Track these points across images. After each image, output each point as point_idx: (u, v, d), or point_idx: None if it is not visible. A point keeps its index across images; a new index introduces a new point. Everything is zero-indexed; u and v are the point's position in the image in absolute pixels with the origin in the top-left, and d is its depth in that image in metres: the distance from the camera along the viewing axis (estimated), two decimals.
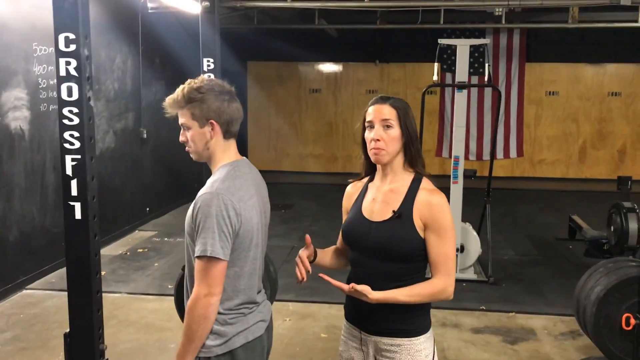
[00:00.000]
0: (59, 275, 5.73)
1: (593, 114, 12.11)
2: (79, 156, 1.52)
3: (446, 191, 5.88)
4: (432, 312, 4.99)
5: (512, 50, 11.83)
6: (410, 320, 2.02)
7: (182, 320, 2.84)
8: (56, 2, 1.48)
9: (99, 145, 6.64)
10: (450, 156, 11.72)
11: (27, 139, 5.33)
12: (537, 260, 6.51)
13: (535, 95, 12.10)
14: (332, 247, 2.25)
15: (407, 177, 2.06)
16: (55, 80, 4.80)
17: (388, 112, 2.04)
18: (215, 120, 1.92)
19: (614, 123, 12.04)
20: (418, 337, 2.02)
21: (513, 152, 12.13)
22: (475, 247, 5.71)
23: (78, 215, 1.53)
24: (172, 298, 5.08)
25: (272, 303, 2.88)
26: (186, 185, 9.41)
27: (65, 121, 1.51)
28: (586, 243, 6.08)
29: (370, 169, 2.16)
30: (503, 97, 11.73)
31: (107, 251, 6.59)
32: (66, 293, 4.88)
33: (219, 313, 1.93)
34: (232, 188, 1.89)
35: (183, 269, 2.80)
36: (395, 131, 2.02)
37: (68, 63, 1.49)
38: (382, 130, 2.03)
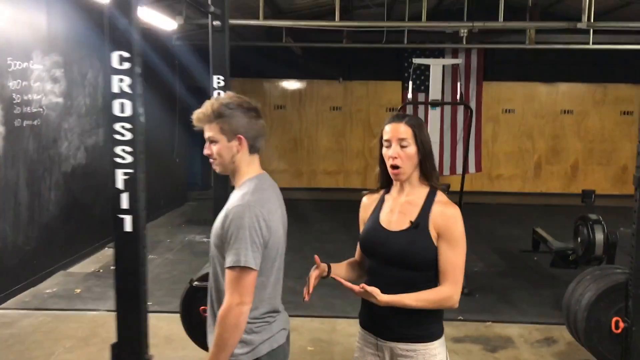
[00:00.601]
0: (32, 293, 5.61)
1: (547, 131, 12.63)
2: (131, 170, 1.57)
3: None
4: None
5: (470, 69, 12.24)
6: (425, 326, 2.12)
7: (189, 336, 2.87)
8: (111, 21, 1.54)
9: (70, 161, 6.55)
10: None
11: (0, 155, 5.22)
12: (506, 271, 6.74)
13: (492, 113, 12.54)
14: (348, 260, 2.34)
15: (423, 190, 2.16)
16: (30, 96, 4.75)
17: (404, 130, 2.15)
18: (243, 135, 1.99)
19: (567, 140, 12.59)
20: (432, 342, 2.12)
21: (472, 168, 12.49)
22: None
23: (128, 227, 1.57)
24: (154, 315, 5.08)
25: None
26: (155, 202, 9.34)
27: (117, 136, 1.56)
28: (552, 254, 6.35)
29: (386, 182, 2.27)
30: (462, 115, 12.14)
31: (78, 268, 6.48)
32: (42, 312, 4.81)
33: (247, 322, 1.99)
34: (261, 200, 1.97)
35: (190, 282, 2.83)
36: (412, 149, 2.13)
37: (121, 80, 1.54)
38: (400, 149, 2.14)
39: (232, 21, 8.01)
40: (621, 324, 2.68)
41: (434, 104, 5.73)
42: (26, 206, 5.66)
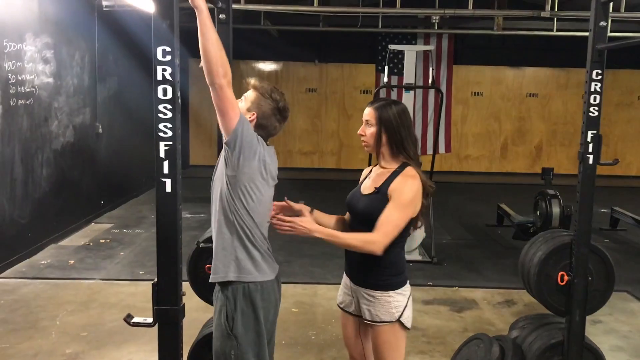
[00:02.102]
0: (28, 264, 5.91)
1: (513, 113, 13.21)
2: (170, 142, 1.94)
3: None
4: None
5: (441, 53, 12.70)
6: (384, 278, 2.51)
7: (195, 290, 3.24)
8: (156, 22, 1.89)
9: (60, 139, 6.82)
10: None
11: None
12: (472, 243, 7.27)
13: (461, 96, 13.05)
14: (339, 216, 2.72)
15: (395, 164, 2.55)
16: (24, 76, 5.03)
17: (369, 113, 2.56)
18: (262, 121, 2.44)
19: (532, 122, 13.19)
20: (389, 292, 2.50)
21: (442, 149, 13.00)
22: (419, 231, 6.36)
23: (168, 189, 1.94)
24: (145, 283, 5.45)
25: None
26: (138, 180, 9.62)
27: (160, 115, 1.92)
28: (515, 227, 6.89)
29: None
30: (433, 97, 12.62)
31: (69, 242, 6.78)
32: (40, 281, 5.14)
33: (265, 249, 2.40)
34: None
35: (197, 244, 3.20)
36: (374, 128, 2.52)
37: (164, 70, 1.90)
38: (366, 128, 2.56)
39: (212, 4, 8.33)
40: (566, 278, 3.14)
41: (408, 88, 6.16)
42: (21, 182, 5.93)
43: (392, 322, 2.50)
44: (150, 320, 2.05)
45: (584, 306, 3.13)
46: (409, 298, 2.58)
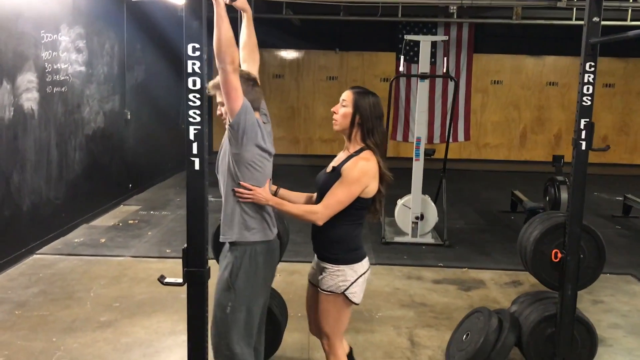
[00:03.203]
0: (64, 242, 6.31)
1: (533, 101, 13.29)
2: (199, 127, 2.24)
3: (398, 172, 6.73)
4: (399, 268, 5.93)
5: (461, 42, 12.83)
6: (334, 252, 2.77)
7: (216, 259, 3.56)
8: (187, 21, 2.18)
9: (91, 125, 7.20)
10: (404, 139, 12.76)
11: (36, 118, 5.86)
12: (484, 228, 7.51)
13: (481, 84, 13.17)
14: (309, 194, 2.97)
15: (357, 147, 2.76)
16: (59, 65, 5.40)
17: (346, 95, 2.78)
18: None
19: (551, 110, 13.27)
20: (338, 265, 2.75)
21: (461, 137, 13.17)
22: (432, 215, 6.63)
23: (197, 167, 2.24)
24: (172, 260, 5.82)
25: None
26: (164, 164, 10.02)
27: (190, 103, 2.22)
28: (526, 213, 7.10)
29: None
30: (452, 85, 12.77)
31: (100, 222, 7.18)
32: (74, 257, 5.53)
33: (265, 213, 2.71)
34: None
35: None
36: (347, 110, 2.74)
37: (194, 64, 2.20)
38: (339, 107, 2.78)
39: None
40: (559, 255, 3.39)
41: (423, 77, 6.39)
42: (56, 165, 6.32)
43: (336, 293, 2.75)
44: (180, 280, 2.37)
45: (575, 281, 3.38)
46: (361, 275, 2.78)
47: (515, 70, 13.20)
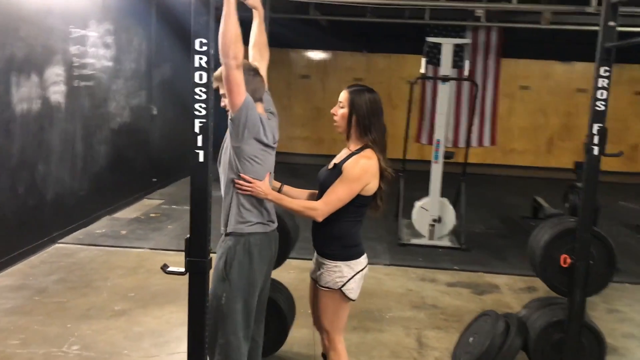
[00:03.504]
0: (85, 232, 6.46)
1: (561, 108, 13.10)
2: (204, 120, 2.30)
3: (421, 175, 6.73)
4: (413, 269, 5.93)
5: (489, 46, 12.72)
6: (332, 248, 2.80)
7: None
8: (195, 17, 2.24)
9: (117, 119, 7.35)
10: (428, 142, 12.70)
11: (63, 111, 6.02)
12: (503, 233, 7.45)
13: (508, 89, 13.02)
14: (312, 190, 2.99)
15: (358, 145, 2.80)
16: (87, 60, 5.53)
17: (342, 95, 2.82)
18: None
19: (580, 117, 13.03)
20: (336, 262, 2.78)
21: (487, 141, 13.06)
22: (450, 219, 6.61)
23: (201, 159, 2.30)
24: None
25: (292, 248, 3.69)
26: (186, 161, 10.13)
27: (196, 96, 2.29)
28: (546, 219, 7.01)
29: None
30: (480, 90, 12.67)
31: (122, 214, 7.33)
32: (95, 247, 5.66)
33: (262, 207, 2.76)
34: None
35: None
36: (344, 110, 2.78)
37: (201, 58, 2.25)
38: (338, 108, 2.82)
39: None
40: (568, 260, 3.37)
41: (444, 79, 6.38)
42: (81, 157, 6.48)
43: (333, 289, 2.78)
44: (182, 269, 2.43)
45: (584, 287, 3.35)
46: (358, 272, 2.81)
47: (543, 75, 13.03)
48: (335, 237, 2.80)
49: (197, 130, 2.32)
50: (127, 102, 7.57)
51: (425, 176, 6.69)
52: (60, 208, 6.09)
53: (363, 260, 2.86)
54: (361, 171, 2.71)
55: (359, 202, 2.76)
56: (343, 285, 2.78)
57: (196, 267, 2.41)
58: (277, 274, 4.02)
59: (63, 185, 6.16)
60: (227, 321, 2.71)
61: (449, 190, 7.13)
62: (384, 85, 13.24)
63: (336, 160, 2.85)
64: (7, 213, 5.23)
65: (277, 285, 3.85)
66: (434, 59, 11.32)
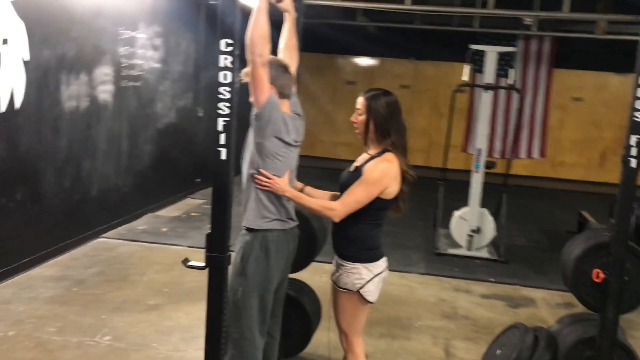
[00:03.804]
0: (127, 228, 6.65)
1: (616, 121, 12.63)
2: (228, 119, 2.36)
3: (465, 184, 6.62)
4: (448, 279, 5.84)
5: (541, 56, 12.43)
6: (351, 250, 2.81)
7: None
8: (221, 19, 2.31)
9: (163, 120, 7.55)
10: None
11: (110, 110, 6.22)
12: (545, 247, 7.25)
13: (560, 101, 12.67)
14: (334, 192, 2.98)
15: (378, 149, 2.81)
16: (135, 61, 5.71)
17: (359, 102, 2.84)
18: (272, 84, 2.70)
19: None
20: (354, 263, 2.79)
21: (536, 153, 12.75)
22: (490, 230, 6.49)
23: (223, 157, 2.36)
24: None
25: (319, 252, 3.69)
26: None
27: (221, 95, 2.35)
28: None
29: None
30: (529, 100, 12.40)
31: (165, 212, 7.51)
32: (135, 243, 5.82)
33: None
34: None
35: None
36: (363, 117, 2.80)
37: (226, 59, 2.32)
38: (356, 115, 2.84)
39: (313, 1, 8.77)
40: (601, 275, 3.26)
41: (487, 88, 6.28)
42: (126, 155, 6.68)
43: (351, 291, 2.79)
44: (202, 264, 2.48)
45: (617, 304, 3.23)
46: (377, 275, 2.81)
47: (598, 87, 12.63)
48: (354, 239, 2.80)
49: (220, 128, 2.38)
50: (173, 103, 7.76)
51: (468, 186, 6.60)
52: (104, 203, 6.29)
53: (382, 263, 2.85)
54: (381, 174, 2.71)
55: (378, 205, 2.75)
56: (361, 287, 2.78)
57: (215, 262, 2.47)
58: (308, 277, 4.06)
59: (108, 181, 6.36)
60: (242, 315, 2.75)
61: (492, 201, 7.00)
62: (432, 93, 13.13)
63: (357, 162, 2.86)
64: (53, 206, 5.44)
65: (303, 288, 3.87)
66: (480, 66, 11.19)
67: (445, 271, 5.95)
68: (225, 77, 2.34)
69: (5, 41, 4.54)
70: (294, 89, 2.95)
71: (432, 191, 7.27)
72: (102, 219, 6.29)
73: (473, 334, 4.47)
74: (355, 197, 2.71)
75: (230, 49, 2.32)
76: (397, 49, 12.66)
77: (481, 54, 6.41)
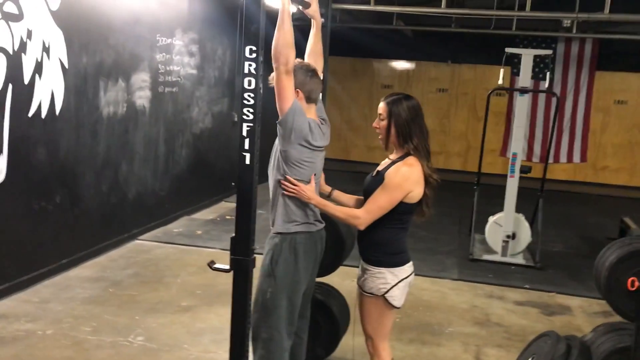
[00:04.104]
0: (164, 230, 6.79)
1: None
2: (251, 124, 2.38)
3: (502, 189, 6.53)
4: (481, 286, 5.77)
5: (582, 58, 12.15)
6: (376, 255, 2.81)
7: None
8: (246, 26, 2.34)
9: (199, 125, 7.67)
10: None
11: (147, 115, 6.37)
12: (583, 254, 7.07)
13: (603, 104, 12.36)
14: (360, 197, 3.00)
15: (401, 153, 2.80)
16: (172, 67, 5.83)
17: (381, 107, 2.83)
18: (300, 89, 2.74)
19: None
20: (379, 268, 2.79)
21: (576, 157, 12.46)
22: (525, 235, 6.38)
23: (247, 162, 2.40)
24: (257, 256, 6.05)
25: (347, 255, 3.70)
26: (265, 168, 10.40)
27: (245, 101, 2.38)
28: None
29: None
30: (571, 103, 12.14)
31: (200, 215, 7.63)
32: (170, 245, 5.93)
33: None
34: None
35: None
36: (384, 122, 2.80)
37: (250, 65, 2.35)
38: (379, 121, 2.83)
39: (345, 6, 8.80)
40: (636, 283, 3.17)
41: (523, 91, 6.18)
42: (163, 159, 6.82)
43: (377, 295, 2.78)
44: (227, 267, 2.52)
45: None
46: (402, 280, 2.80)
47: None
48: (379, 244, 2.80)
49: (244, 133, 2.41)
50: (209, 108, 7.89)
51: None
52: (141, 206, 6.44)
53: (408, 268, 2.84)
54: (402, 179, 2.71)
55: (401, 210, 2.75)
56: (386, 292, 2.78)
57: (240, 265, 2.50)
58: (337, 282, 4.07)
59: (145, 185, 6.50)
60: (271, 316, 2.79)
61: (529, 206, 6.88)
62: (469, 97, 12.99)
63: (380, 167, 2.86)
64: (91, 209, 5.59)
65: (332, 292, 3.89)
66: (519, 69, 11.01)
67: (478, 277, 5.87)
68: (249, 83, 2.37)
69: (46, 50, 4.70)
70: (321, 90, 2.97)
71: (468, 196, 7.19)
72: (139, 222, 6.44)
73: (505, 342, 4.40)
74: (378, 203, 2.72)
75: (254, 55, 2.35)
76: (433, 52, 12.57)
77: (519, 57, 6.32)
